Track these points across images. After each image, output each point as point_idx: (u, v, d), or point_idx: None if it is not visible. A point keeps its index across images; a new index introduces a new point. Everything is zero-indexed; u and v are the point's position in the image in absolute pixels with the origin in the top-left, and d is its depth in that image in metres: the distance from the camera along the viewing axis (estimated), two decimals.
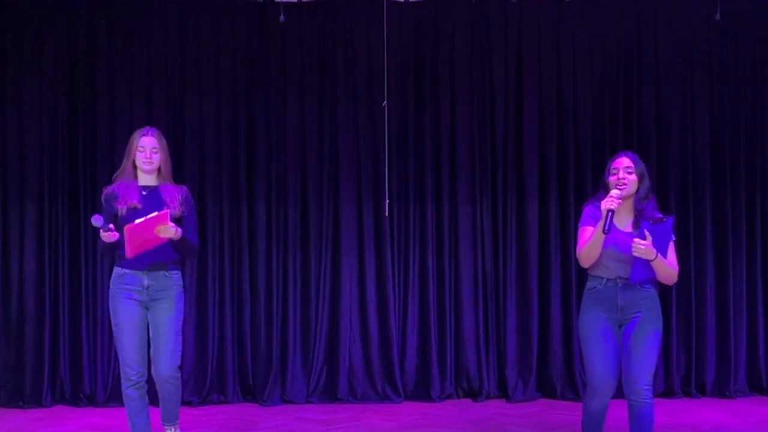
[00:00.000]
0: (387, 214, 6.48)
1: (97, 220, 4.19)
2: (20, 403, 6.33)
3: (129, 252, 4.18)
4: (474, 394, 6.57)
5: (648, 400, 4.14)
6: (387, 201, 6.47)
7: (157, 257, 4.37)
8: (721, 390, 6.59)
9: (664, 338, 6.56)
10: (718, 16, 6.03)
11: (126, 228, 4.13)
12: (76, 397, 6.39)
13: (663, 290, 6.58)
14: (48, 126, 6.47)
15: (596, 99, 6.71)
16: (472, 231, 6.65)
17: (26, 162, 6.47)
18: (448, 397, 6.56)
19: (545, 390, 6.60)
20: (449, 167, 6.66)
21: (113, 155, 6.44)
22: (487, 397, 6.52)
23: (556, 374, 6.55)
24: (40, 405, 6.30)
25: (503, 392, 6.57)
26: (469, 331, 6.61)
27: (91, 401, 6.37)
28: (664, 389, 6.56)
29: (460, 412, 6.18)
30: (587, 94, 6.69)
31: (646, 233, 4.04)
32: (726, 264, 6.68)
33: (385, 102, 6.42)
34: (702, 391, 6.61)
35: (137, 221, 4.17)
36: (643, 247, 4.00)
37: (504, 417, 6.00)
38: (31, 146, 6.46)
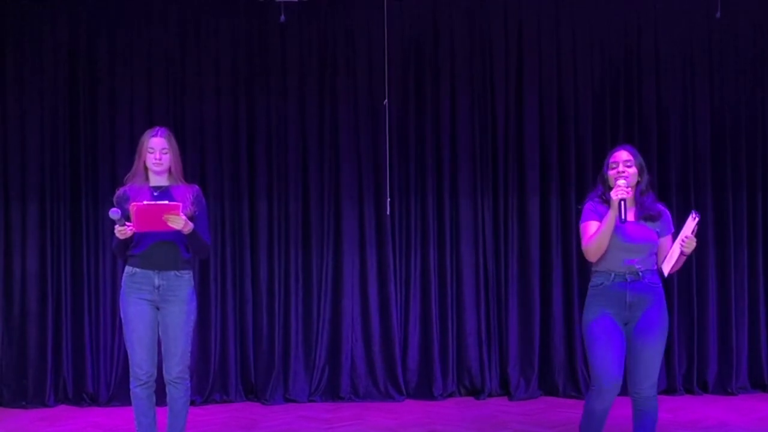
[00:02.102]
0: (388, 212, 6.49)
1: (114, 213, 4.18)
2: (23, 403, 6.34)
3: (135, 227, 4.18)
4: (476, 392, 6.58)
5: (653, 399, 4.16)
6: (388, 199, 6.47)
7: (164, 236, 4.29)
8: (723, 387, 6.59)
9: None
10: (718, 15, 6.04)
11: (132, 205, 4.14)
12: (79, 396, 6.40)
13: (664, 287, 6.64)
14: (49, 125, 6.48)
15: (597, 94, 6.70)
16: (473, 227, 6.64)
17: (28, 161, 6.48)
18: (451, 395, 6.56)
19: (547, 387, 6.60)
20: (450, 163, 6.66)
21: (114, 153, 6.47)
22: (490, 395, 6.53)
23: (558, 371, 6.56)
24: (43, 405, 6.32)
25: (505, 390, 6.58)
26: (470, 328, 6.61)
27: (94, 401, 6.38)
28: (666, 386, 6.55)
29: (462, 410, 6.18)
30: (588, 88, 6.69)
31: (695, 226, 4.05)
32: (727, 260, 6.67)
33: (386, 101, 6.43)
34: (704, 388, 6.61)
35: (145, 202, 4.17)
36: (695, 243, 4.05)
37: (506, 415, 6.01)
38: (32, 145, 6.47)
